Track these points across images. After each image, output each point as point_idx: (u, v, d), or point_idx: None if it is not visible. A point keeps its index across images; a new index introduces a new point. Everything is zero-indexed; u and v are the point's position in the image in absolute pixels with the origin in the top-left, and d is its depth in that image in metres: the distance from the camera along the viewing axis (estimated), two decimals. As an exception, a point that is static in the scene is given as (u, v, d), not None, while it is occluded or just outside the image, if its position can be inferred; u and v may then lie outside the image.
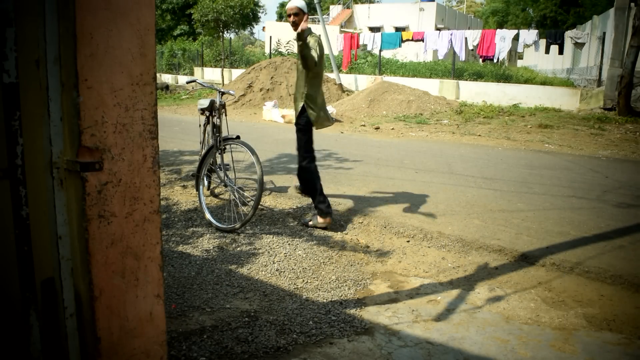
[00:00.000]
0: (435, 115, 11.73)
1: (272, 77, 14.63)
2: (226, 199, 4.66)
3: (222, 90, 4.53)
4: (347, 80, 16.80)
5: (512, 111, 12.17)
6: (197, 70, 23.76)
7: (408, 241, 3.81)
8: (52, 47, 1.43)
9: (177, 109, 14.03)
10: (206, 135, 4.60)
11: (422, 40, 15.98)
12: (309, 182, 4.15)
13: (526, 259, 3.42)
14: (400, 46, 16.95)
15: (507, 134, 9.42)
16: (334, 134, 9.40)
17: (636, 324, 2.62)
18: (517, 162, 6.85)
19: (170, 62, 26.35)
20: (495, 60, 16.13)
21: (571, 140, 8.81)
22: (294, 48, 19.23)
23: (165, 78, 24.08)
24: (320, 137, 8.83)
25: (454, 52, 15.41)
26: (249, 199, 4.35)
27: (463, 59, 16.47)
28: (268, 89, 14.33)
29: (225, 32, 20.09)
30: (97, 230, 1.47)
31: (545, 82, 16.10)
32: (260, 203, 4.36)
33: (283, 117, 11.23)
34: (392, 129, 10.10)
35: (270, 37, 21.60)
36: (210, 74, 22.72)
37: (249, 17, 26.59)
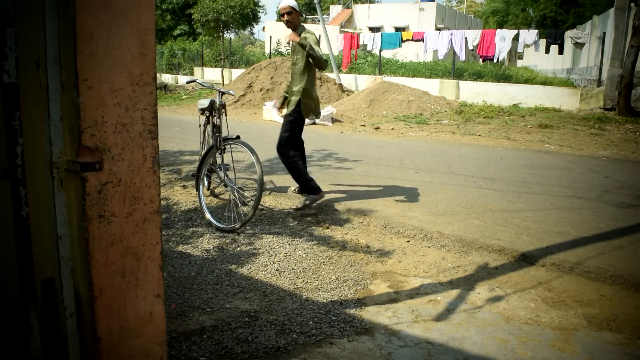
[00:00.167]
0: (435, 115, 11.73)
1: (272, 77, 14.63)
2: (226, 199, 4.66)
3: (222, 90, 4.53)
4: (347, 80, 16.81)
5: (512, 111, 12.17)
6: (197, 70, 23.76)
7: (408, 241, 3.81)
8: (52, 47, 1.43)
9: (177, 109, 14.03)
10: (206, 135, 4.60)
11: (422, 40, 15.98)
12: (293, 166, 4.38)
13: (526, 259, 3.42)
14: (400, 46, 16.95)
15: (507, 134, 9.42)
16: (334, 134, 9.40)
17: (636, 324, 2.62)
18: (517, 162, 6.85)
19: (170, 62, 26.36)
20: (495, 60, 16.12)
21: (571, 140, 8.81)
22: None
23: (165, 78, 24.07)
24: (320, 137, 8.83)
25: (454, 52, 15.41)
26: (249, 199, 4.35)
27: (463, 59, 16.47)
28: (268, 89, 14.33)
29: (225, 32, 20.09)
30: (97, 230, 1.47)
31: (545, 82, 16.11)
32: (260, 203, 4.36)
33: (283, 117, 11.22)
34: (392, 129, 10.10)
35: (270, 37, 21.62)
36: (210, 74, 22.72)
37: (249, 17, 26.58)
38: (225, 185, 4.31)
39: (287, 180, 5.20)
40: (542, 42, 15.51)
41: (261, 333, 2.46)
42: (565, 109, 12.50)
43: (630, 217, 4.36)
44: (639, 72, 10.97)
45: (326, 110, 11.06)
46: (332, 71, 15.83)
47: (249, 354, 2.28)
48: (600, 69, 13.80)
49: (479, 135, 9.32)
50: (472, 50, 15.69)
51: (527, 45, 14.97)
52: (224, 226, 4.02)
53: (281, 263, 3.39)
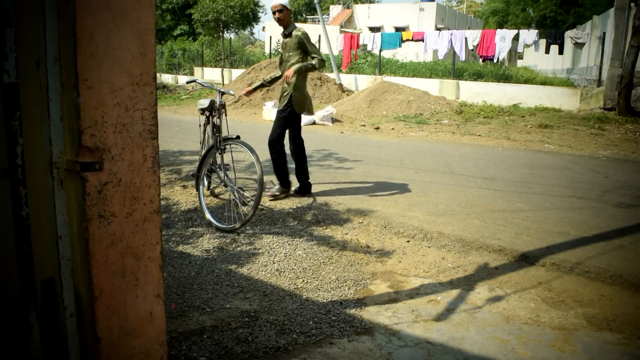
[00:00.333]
0: (435, 115, 11.73)
1: (272, 77, 14.61)
2: (226, 199, 4.66)
3: (222, 90, 4.53)
4: (347, 80, 16.81)
5: (512, 111, 12.17)
6: (197, 70, 23.76)
7: (408, 241, 3.81)
8: (52, 47, 1.43)
9: (177, 109, 14.03)
10: (206, 135, 4.60)
11: (422, 40, 15.99)
12: (278, 161, 4.62)
13: (526, 259, 3.42)
14: (400, 46, 16.96)
15: (507, 134, 9.42)
16: (334, 134, 9.40)
17: (636, 324, 2.62)
18: (517, 162, 6.85)
19: (170, 62, 26.36)
20: (495, 60, 16.13)
21: (571, 140, 8.81)
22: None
23: (165, 78, 24.09)
24: (320, 137, 8.83)
25: (454, 52, 15.41)
26: (249, 199, 4.35)
27: (463, 59, 16.48)
28: (268, 89, 14.33)
29: (225, 32, 20.09)
30: (97, 230, 1.47)
31: (545, 82, 16.11)
32: (260, 203, 4.36)
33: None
34: (392, 129, 10.10)
35: (270, 37, 21.61)
36: (210, 74, 22.72)
37: (249, 17, 26.59)
38: (225, 185, 4.31)
39: (287, 180, 5.20)
40: (542, 42, 15.52)
41: (261, 333, 2.46)
42: (565, 109, 12.50)
43: (630, 217, 4.36)
44: (639, 72, 10.97)
45: (326, 110, 11.06)
46: (332, 71, 15.82)
47: (249, 354, 2.28)
48: (600, 69, 13.80)
49: (479, 135, 9.32)
50: (472, 50, 15.70)
51: (527, 45, 14.98)
52: (224, 226, 4.02)
53: (281, 263, 3.39)
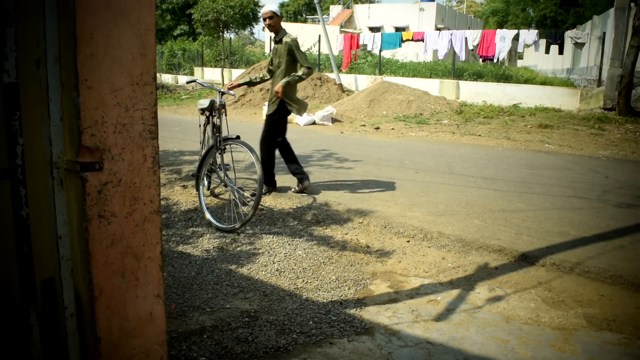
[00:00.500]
0: (435, 115, 11.73)
1: (272, 77, 14.62)
2: (226, 199, 4.66)
3: (222, 90, 4.53)
4: (347, 80, 16.81)
5: (512, 111, 12.17)
6: (197, 70, 23.76)
7: (408, 241, 3.81)
8: (52, 47, 1.43)
9: (177, 109, 14.03)
10: (206, 135, 4.61)
11: (422, 40, 15.99)
12: (267, 162, 4.70)
13: (526, 259, 3.42)
14: (400, 46, 16.96)
15: (507, 134, 9.42)
16: (334, 134, 9.40)
17: (636, 324, 2.62)
18: (517, 162, 6.85)
19: (170, 62, 26.35)
20: (495, 60, 16.13)
21: (571, 140, 8.81)
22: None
23: (165, 78, 24.08)
24: (321, 137, 8.83)
25: (454, 52, 15.41)
26: (249, 199, 4.35)
27: (463, 59, 16.48)
28: (268, 89, 14.31)
29: (225, 32, 20.09)
30: (97, 230, 1.47)
31: (545, 82, 16.11)
32: (260, 203, 4.36)
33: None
34: (392, 129, 10.10)
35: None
36: (210, 74, 22.72)
37: (249, 17, 26.58)
38: (225, 185, 4.31)
39: (287, 180, 5.20)
40: (542, 42, 15.52)
41: (261, 333, 2.46)
42: (565, 109, 12.50)
43: (630, 217, 4.36)
44: (639, 72, 10.97)
45: (326, 110, 11.06)
46: (332, 71, 15.82)
47: (249, 354, 2.28)
48: (600, 69, 13.80)
49: (479, 135, 9.32)
50: (472, 50, 15.70)
51: (527, 45, 14.97)
52: (224, 226, 4.02)
53: (281, 263, 3.39)
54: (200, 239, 3.85)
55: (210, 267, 3.31)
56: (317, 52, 18.47)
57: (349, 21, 30.77)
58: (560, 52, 15.37)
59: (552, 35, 15.09)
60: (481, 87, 14.47)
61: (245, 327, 2.52)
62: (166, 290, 2.88)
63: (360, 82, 16.76)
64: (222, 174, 4.25)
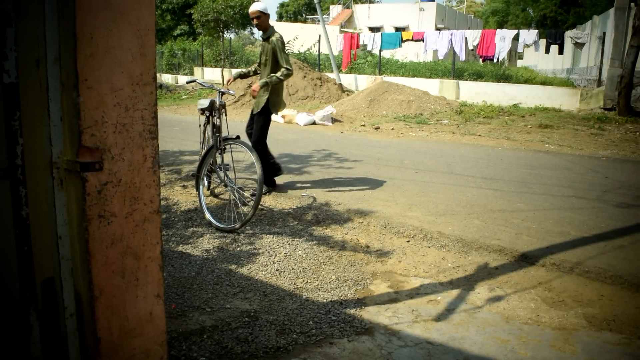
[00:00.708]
0: (435, 115, 11.73)
1: (272, 77, 14.61)
2: (226, 199, 4.66)
3: (222, 90, 4.53)
4: (347, 80, 16.81)
5: (512, 111, 12.17)
6: (197, 70, 23.75)
7: (408, 241, 3.81)
8: (52, 47, 1.43)
9: (177, 109, 14.03)
10: (206, 135, 4.61)
11: (422, 40, 15.98)
12: (265, 161, 4.67)
13: (526, 259, 3.42)
14: (400, 46, 16.95)
15: (507, 134, 9.42)
16: (334, 134, 9.40)
17: (636, 324, 2.62)
18: (517, 162, 6.85)
19: (170, 62, 26.34)
20: (495, 60, 16.12)
21: (571, 140, 8.81)
22: (294, 48, 19.27)
23: (165, 78, 24.07)
24: (321, 137, 8.83)
25: (454, 52, 15.40)
26: (249, 199, 4.35)
27: (463, 59, 16.47)
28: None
29: (225, 32, 20.08)
30: (97, 230, 1.47)
31: (545, 82, 16.11)
32: (260, 203, 4.36)
33: (283, 117, 11.22)
34: (392, 129, 10.10)
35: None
36: (210, 74, 22.71)
37: (249, 17, 26.56)
38: (225, 185, 4.31)
39: (287, 180, 5.20)
40: (542, 42, 15.51)
41: (261, 333, 2.46)
42: (565, 109, 12.50)
43: (630, 217, 4.36)
44: (639, 72, 10.97)
45: (326, 110, 11.06)
46: (332, 71, 15.82)
47: (249, 354, 2.28)
48: (600, 69, 13.80)
49: (479, 135, 9.32)
50: (472, 50, 15.69)
51: (527, 45, 14.97)
52: (224, 226, 4.02)
53: (281, 263, 3.39)
54: (200, 239, 3.85)
55: (210, 267, 3.31)
56: (317, 52, 18.48)
57: (349, 21, 30.77)
58: (560, 52, 15.36)
59: (552, 35, 15.09)
60: (481, 87, 14.47)
61: (245, 327, 2.52)
62: (166, 290, 2.88)
63: (360, 82, 16.76)
64: (222, 174, 4.25)
